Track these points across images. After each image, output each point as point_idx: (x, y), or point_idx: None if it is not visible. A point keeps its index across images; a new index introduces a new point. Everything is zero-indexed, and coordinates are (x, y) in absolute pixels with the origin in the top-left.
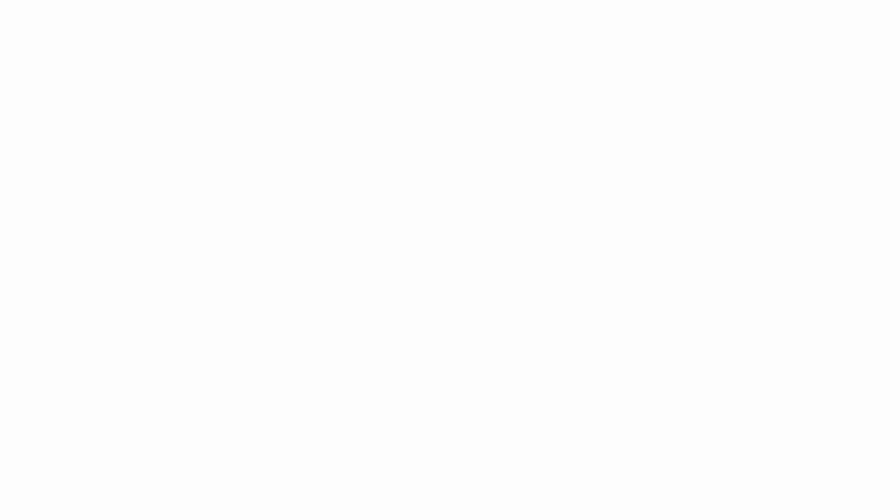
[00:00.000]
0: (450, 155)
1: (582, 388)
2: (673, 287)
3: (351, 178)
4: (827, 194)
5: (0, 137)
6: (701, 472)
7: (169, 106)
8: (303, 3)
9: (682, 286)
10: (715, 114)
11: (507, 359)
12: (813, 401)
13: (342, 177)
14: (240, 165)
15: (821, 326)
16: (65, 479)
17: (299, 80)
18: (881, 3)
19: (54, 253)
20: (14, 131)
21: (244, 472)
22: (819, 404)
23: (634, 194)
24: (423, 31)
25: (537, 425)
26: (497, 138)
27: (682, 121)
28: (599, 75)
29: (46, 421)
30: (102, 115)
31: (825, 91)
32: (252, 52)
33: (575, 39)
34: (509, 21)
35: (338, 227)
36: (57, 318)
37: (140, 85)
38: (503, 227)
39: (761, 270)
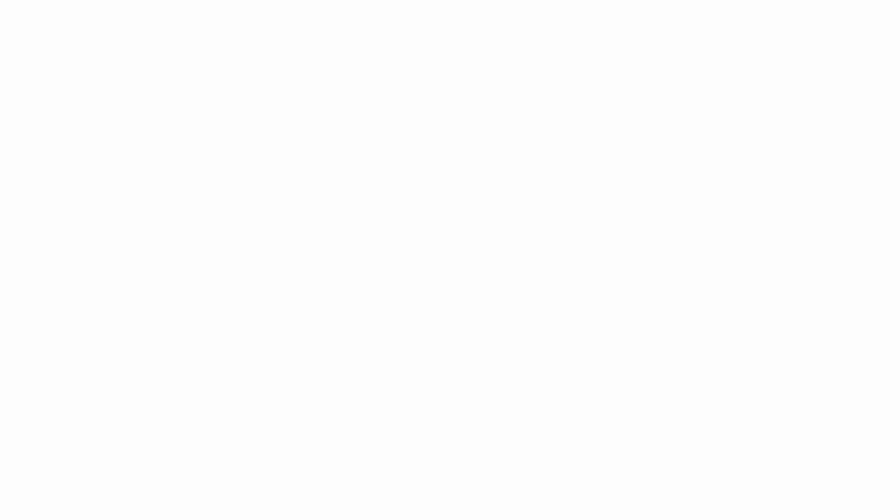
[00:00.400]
0: (450, 155)
1: (582, 388)
2: (673, 287)
3: (351, 178)
4: (827, 194)
5: (0, 137)
6: (701, 472)
7: (169, 106)
8: (303, 3)
9: (682, 286)
10: (715, 114)
11: (507, 359)
12: (813, 401)
13: (342, 177)
14: (240, 165)
15: (821, 326)
16: (65, 480)
17: (299, 80)
18: (881, 3)
19: (54, 253)
20: (14, 131)
21: (244, 472)
22: (819, 404)
23: (634, 194)
24: (423, 32)
25: (537, 425)
26: (497, 138)
27: (682, 121)
28: (599, 75)
29: (46, 421)
30: (102, 115)
31: (825, 91)
32: (252, 52)
33: (575, 39)
34: (509, 21)
35: (338, 227)
36: (57, 318)
37: (140, 85)
38: (503, 227)
39: (761, 271)
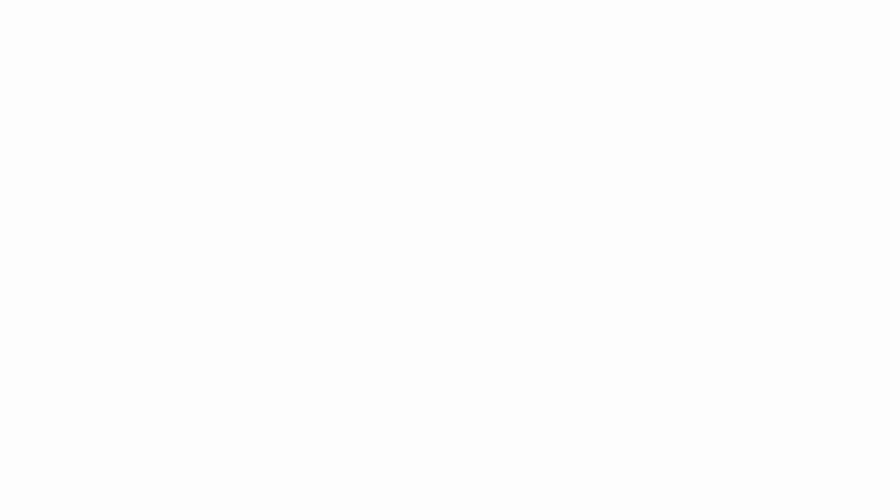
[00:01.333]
0: (450, 155)
1: (582, 388)
2: (673, 287)
3: (351, 178)
4: (827, 194)
5: (0, 137)
6: (701, 472)
7: (169, 106)
8: (303, 3)
9: (682, 286)
10: (715, 114)
11: (507, 359)
12: (813, 401)
13: (342, 177)
14: (240, 165)
15: (821, 326)
16: (65, 480)
17: (299, 80)
18: (881, 3)
19: (54, 253)
20: (14, 131)
21: (244, 472)
22: (819, 404)
23: (634, 194)
24: (423, 32)
25: (537, 426)
26: (497, 138)
27: (682, 121)
28: (599, 75)
29: (46, 421)
30: (102, 115)
31: (825, 91)
32: (252, 52)
33: (575, 39)
34: (509, 21)
35: (338, 227)
36: (57, 318)
37: (140, 85)
38: (503, 227)
39: (761, 271)
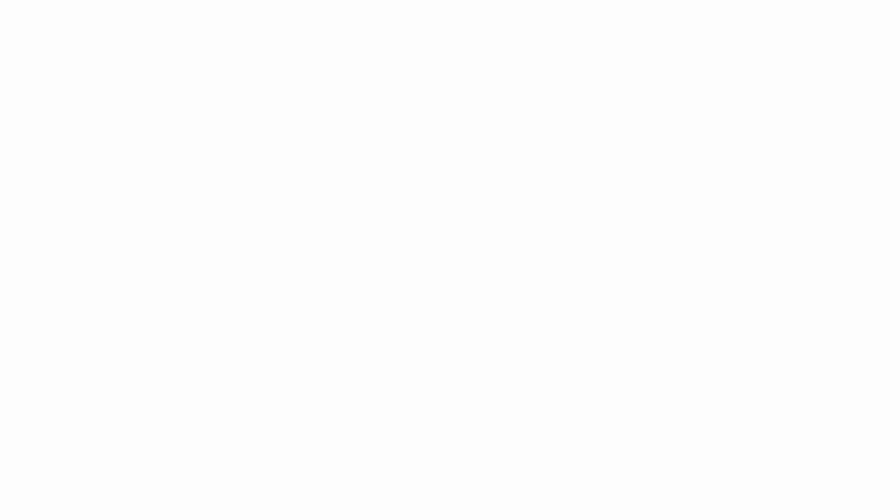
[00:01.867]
0: (450, 155)
1: (582, 388)
2: (673, 287)
3: (351, 178)
4: (827, 194)
5: (0, 137)
6: (701, 472)
7: (169, 106)
8: (303, 3)
9: (683, 286)
10: (715, 114)
11: (507, 359)
12: (813, 401)
13: (342, 177)
14: (240, 165)
15: (821, 326)
16: (65, 480)
17: (299, 80)
18: (881, 3)
19: (54, 253)
20: (14, 131)
21: (244, 472)
22: (819, 404)
23: (634, 194)
24: (423, 32)
25: (537, 426)
26: (497, 138)
27: (682, 121)
28: (599, 75)
29: (46, 421)
30: (102, 116)
31: (825, 91)
32: (252, 52)
33: (575, 39)
34: (509, 21)
35: (338, 227)
36: (57, 318)
37: (140, 85)
38: (503, 227)
39: (761, 271)
